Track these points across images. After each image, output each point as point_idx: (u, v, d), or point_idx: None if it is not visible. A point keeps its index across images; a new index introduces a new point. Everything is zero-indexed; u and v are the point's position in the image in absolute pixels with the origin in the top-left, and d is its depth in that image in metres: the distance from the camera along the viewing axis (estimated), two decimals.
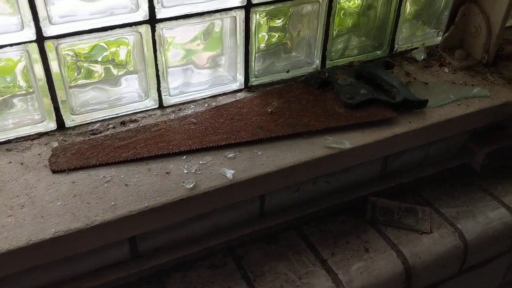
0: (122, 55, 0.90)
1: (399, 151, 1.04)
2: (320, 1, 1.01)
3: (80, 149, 0.86)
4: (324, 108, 0.99)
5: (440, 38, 1.21)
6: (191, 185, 0.82)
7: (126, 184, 0.82)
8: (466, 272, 1.12)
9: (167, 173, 0.85)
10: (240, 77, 1.02)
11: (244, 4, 0.93)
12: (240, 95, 1.02)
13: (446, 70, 1.16)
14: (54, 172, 0.83)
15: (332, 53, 1.11)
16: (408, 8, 1.15)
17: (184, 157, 0.88)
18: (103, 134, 0.90)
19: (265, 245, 1.00)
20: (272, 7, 0.97)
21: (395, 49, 1.18)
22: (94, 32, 0.83)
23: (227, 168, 0.86)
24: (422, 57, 1.17)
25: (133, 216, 0.78)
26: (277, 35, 1.04)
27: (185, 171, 0.85)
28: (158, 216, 0.80)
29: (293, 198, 1.00)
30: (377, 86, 1.06)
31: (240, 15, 0.94)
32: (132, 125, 0.93)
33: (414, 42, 1.21)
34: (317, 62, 1.09)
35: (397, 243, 1.02)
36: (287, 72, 1.07)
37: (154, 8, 0.85)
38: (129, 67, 0.92)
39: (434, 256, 1.02)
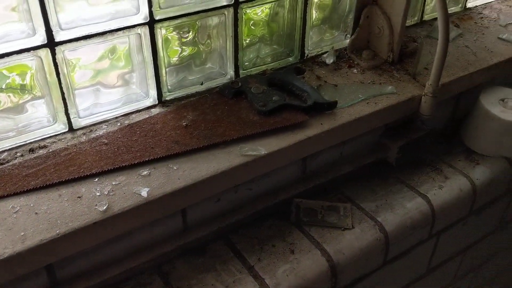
0: (26, 81, 0.88)
1: (315, 152, 1.07)
2: (226, 13, 1.03)
3: None
4: (239, 117, 1.01)
5: (348, 41, 1.27)
6: (104, 207, 0.81)
7: (36, 213, 0.80)
8: (390, 263, 1.16)
9: (79, 197, 0.83)
10: (153, 93, 1.02)
11: (147, 21, 0.93)
12: (155, 111, 1.02)
13: (355, 71, 1.22)
14: None
15: (245, 63, 1.14)
16: (314, 14, 1.19)
17: (96, 179, 0.87)
18: (10, 163, 0.87)
19: (192, 258, 1.00)
20: (177, 21, 0.97)
21: (306, 55, 1.22)
22: None
23: (141, 187, 0.85)
24: (332, 61, 1.22)
25: (45, 244, 0.76)
26: (187, 49, 1.04)
27: (98, 194, 0.84)
28: (72, 242, 0.79)
29: (216, 209, 1.01)
30: (289, 92, 1.10)
31: (145, 31, 0.94)
32: (41, 151, 0.90)
33: (324, 47, 1.25)
34: (231, 72, 1.11)
35: (321, 242, 1.05)
36: (201, 84, 1.08)
37: (52, 31, 0.84)
38: (35, 92, 0.90)
39: (357, 250, 1.06)
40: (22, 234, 0.76)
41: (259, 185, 1.06)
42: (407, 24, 1.37)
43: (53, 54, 0.86)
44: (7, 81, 0.86)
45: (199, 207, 0.98)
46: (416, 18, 1.42)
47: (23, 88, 0.88)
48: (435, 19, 1.45)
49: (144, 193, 0.84)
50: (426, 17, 1.44)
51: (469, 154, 1.33)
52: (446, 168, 1.28)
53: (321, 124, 1.04)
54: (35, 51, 0.84)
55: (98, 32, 0.88)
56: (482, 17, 1.50)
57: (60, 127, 0.94)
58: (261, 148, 0.96)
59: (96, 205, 0.82)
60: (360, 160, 1.20)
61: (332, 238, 1.06)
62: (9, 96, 0.87)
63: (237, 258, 1.01)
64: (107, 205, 0.81)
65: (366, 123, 1.10)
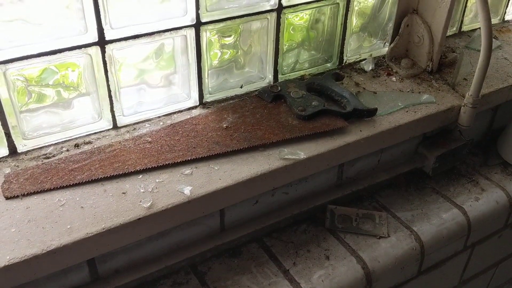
0: (74, 78, 0.90)
1: (352, 159, 1.07)
2: (269, 18, 1.04)
3: (34, 174, 0.85)
4: (278, 120, 1.02)
5: (386, 48, 1.27)
6: (148, 204, 0.82)
7: (81, 207, 0.81)
8: (425, 273, 1.15)
9: (123, 193, 0.84)
10: (194, 94, 1.03)
11: (194, 23, 0.95)
12: (195, 112, 1.03)
13: (394, 79, 1.21)
14: (7, 198, 0.81)
15: (284, 68, 1.14)
16: (354, 21, 1.19)
17: (140, 176, 0.88)
18: (56, 157, 0.89)
19: (228, 260, 1.00)
20: (221, 25, 0.99)
21: (344, 61, 1.23)
22: (43, 56, 0.82)
23: (184, 185, 0.86)
24: (370, 68, 1.22)
25: (90, 238, 0.77)
26: (229, 52, 1.06)
27: (142, 190, 0.85)
28: (116, 237, 0.80)
29: (252, 211, 1.02)
30: (328, 98, 1.10)
31: (190, 33, 0.96)
32: (86, 147, 0.92)
33: (362, 54, 1.25)
34: (270, 76, 1.12)
35: (356, 249, 1.05)
36: (241, 87, 1.09)
37: (103, 29, 0.86)
38: (81, 89, 0.92)
39: (393, 259, 1.05)
40: (68, 227, 0.78)
41: (296, 190, 1.06)
42: (446, 34, 1.37)
43: (103, 52, 0.88)
44: (56, 77, 0.89)
45: (237, 208, 0.98)
46: (454, 29, 1.41)
47: (70, 86, 0.90)
48: (474, 30, 1.44)
49: (187, 191, 0.85)
50: (464, 28, 1.43)
51: (505, 167, 1.31)
52: (482, 180, 1.27)
53: (360, 131, 1.04)
54: (85, 48, 0.86)
55: (147, 32, 0.90)
56: None
57: (105, 124, 0.96)
58: (300, 152, 0.96)
59: (140, 201, 0.83)
60: (396, 169, 1.19)
61: (367, 245, 1.06)
62: (58, 91, 0.90)
63: (272, 261, 1.01)
64: (151, 201, 0.83)
65: (405, 132, 1.10)
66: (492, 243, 1.29)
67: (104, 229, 0.78)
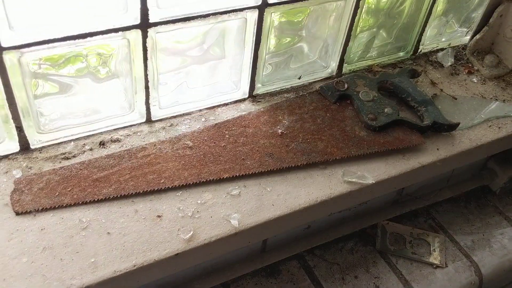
0: (105, 62, 0.72)
1: (423, 179, 0.91)
2: None
3: (50, 182, 0.69)
4: (343, 129, 0.85)
5: (468, 38, 1.06)
6: (188, 235, 0.68)
7: (108, 232, 0.67)
8: None
9: (159, 216, 0.69)
10: (245, 85, 0.85)
11: (259, 4, 0.75)
12: (243, 107, 0.86)
13: (475, 79, 1.02)
14: (17, 214, 0.66)
15: (351, 55, 0.95)
16: (440, 3, 0.98)
17: (179, 193, 0.73)
18: (78, 159, 0.73)
19: (265, 280, 0.88)
20: (291, 6, 0.79)
21: (419, 50, 1.03)
22: (69, 39, 0.64)
23: (231, 211, 0.71)
24: (449, 63, 1.03)
25: (118, 277, 0.63)
26: (290, 36, 0.86)
27: (180, 215, 0.70)
28: (148, 273, 0.66)
29: (303, 233, 0.87)
30: (402, 101, 0.92)
31: (252, 16, 0.76)
32: (113, 146, 0.76)
33: (440, 42, 1.05)
34: (333, 65, 0.93)
35: (409, 280, 0.92)
36: (299, 78, 0.90)
37: (148, 10, 0.66)
38: (112, 74, 0.74)
39: None
40: (92, 260, 0.64)
41: (351, 209, 0.91)
42: None
43: (144, 37, 0.69)
44: (80, 62, 0.70)
45: (284, 231, 0.84)
46: None
47: (99, 71, 0.72)
48: None
49: (234, 221, 0.70)
50: None
51: None
52: None
53: (437, 149, 0.87)
54: (124, 32, 0.67)
55: (201, 13, 0.70)
56: None
57: (136, 116, 0.79)
58: (368, 175, 0.80)
59: (179, 230, 0.68)
60: (462, 186, 1.04)
61: (422, 276, 0.93)
62: (82, 76, 0.72)
63: (314, 286, 0.88)
64: (192, 232, 0.68)
65: (486, 151, 0.93)
66: None
67: (135, 266, 0.64)
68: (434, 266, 0.95)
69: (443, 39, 1.06)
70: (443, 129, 0.89)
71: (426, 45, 1.04)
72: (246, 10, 0.75)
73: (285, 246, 0.87)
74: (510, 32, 1.02)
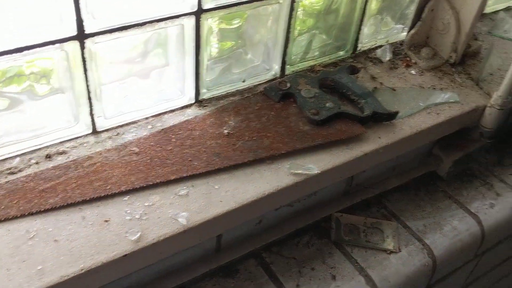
0: (45, 75, 0.73)
1: (367, 168, 0.95)
2: (281, 1, 0.87)
3: None
4: (287, 126, 0.88)
5: (405, 34, 1.12)
6: (136, 236, 0.69)
7: (55, 240, 0.67)
8: (431, 287, 1.07)
9: (106, 221, 0.71)
10: (190, 91, 0.88)
11: (195, 10, 0.78)
12: (190, 112, 0.88)
13: (413, 71, 1.07)
14: None
15: (292, 57, 0.99)
16: (373, 2, 1.03)
17: (126, 198, 0.74)
18: (24, 173, 0.74)
19: (222, 280, 0.89)
20: (226, 11, 0.82)
21: (358, 49, 1.08)
22: (5, 54, 0.65)
23: (179, 210, 0.73)
24: (388, 58, 1.08)
25: (66, 282, 0.64)
26: (230, 41, 0.89)
27: (128, 218, 0.71)
28: (97, 277, 0.67)
29: (254, 229, 0.89)
30: (343, 96, 0.96)
31: (189, 22, 0.79)
32: (60, 158, 0.77)
33: (378, 40, 1.10)
34: (276, 67, 0.97)
35: (365, 267, 0.95)
36: (243, 81, 0.93)
37: (82, 21, 0.68)
38: (54, 88, 0.75)
39: (403, 277, 0.96)
40: (39, 268, 0.64)
41: (302, 202, 0.94)
42: None
43: (82, 47, 0.70)
44: (22, 75, 0.72)
45: (236, 228, 0.86)
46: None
47: (41, 84, 0.74)
48: (497, 12, 1.29)
49: (182, 219, 0.72)
50: (487, 10, 1.28)
51: None
52: (497, 183, 1.17)
53: (379, 137, 0.91)
54: (61, 43, 0.69)
55: (138, 22, 0.73)
56: None
57: (82, 128, 0.80)
58: (312, 166, 0.83)
59: (126, 232, 0.69)
60: (409, 173, 1.08)
61: (377, 262, 0.96)
62: (25, 91, 0.73)
63: (272, 282, 0.90)
64: (139, 233, 0.69)
65: (426, 137, 0.98)
66: (502, 247, 1.21)
67: (82, 270, 0.65)
68: (388, 251, 0.98)
69: (381, 37, 1.11)
70: (383, 118, 0.93)
71: (365, 44, 1.08)
72: (183, 17, 0.77)
73: (240, 244, 0.89)
74: (442, 25, 1.08)
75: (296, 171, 0.82)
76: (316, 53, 1.03)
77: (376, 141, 0.91)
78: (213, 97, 0.91)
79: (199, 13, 0.78)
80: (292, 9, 0.89)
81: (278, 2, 0.87)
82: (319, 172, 0.83)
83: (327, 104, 0.91)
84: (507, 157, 1.23)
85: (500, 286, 1.42)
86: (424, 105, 0.99)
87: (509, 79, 0.97)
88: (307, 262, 0.94)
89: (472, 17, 1.03)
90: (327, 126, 0.89)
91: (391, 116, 0.93)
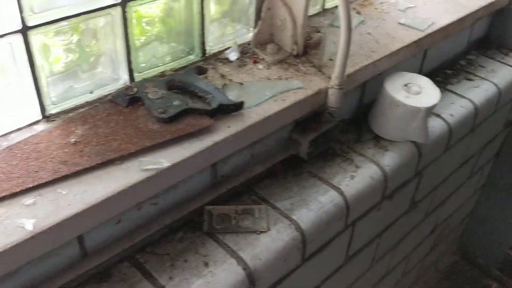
0: None
1: (224, 157, 1.01)
2: (113, 13, 0.93)
3: None
4: (136, 127, 0.93)
5: (251, 34, 1.21)
6: None
7: None
8: (309, 259, 1.15)
9: None
10: (34, 108, 0.90)
11: (20, 29, 0.81)
12: (38, 128, 0.91)
13: (261, 66, 1.17)
14: None
15: (141, 65, 1.04)
16: (212, 8, 1.12)
17: None
18: None
19: (96, 285, 0.91)
20: (56, 26, 0.86)
21: (207, 52, 1.15)
22: None
23: (25, 218, 0.75)
24: (235, 57, 1.16)
25: None
26: (73, 54, 0.93)
27: None
28: None
29: (117, 230, 0.93)
30: (192, 94, 1.03)
31: (16, 40, 0.82)
32: None
33: (226, 42, 1.19)
34: (125, 76, 1.02)
35: (236, 250, 1.01)
36: (91, 93, 0.97)
37: None
38: None
39: (274, 253, 1.02)
40: None
41: (166, 199, 0.98)
42: (309, 14, 1.35)
43: None
44: None
45: (97, 231, 0.89)
46: (318, 7, 1.40)
47: None
48: (337, 7, 1.43)
49: (29, 225, 0.74)
50: (327, 5, 1.42)
51: (378, 141, 1.34)
52: (356, 157, 1.28)
53: (229, 127, 0.98)
54: None
55: None
56: (382, 2, 1.51)
57: None
58: (163, 160, 0.88)
59: None
60: (271, 159, 1.16)
61: (248, 243, 1.02)
62: None
63: (146, 279, 0.93)
64: None
65: (275, 122, 1.06)
66: (372, 216, 1.32)
67: None
68: (258, 232, 1.05)
69: (228, 39, 1.19)
70: (231, 109, 1.00)
71: (213, 46, 1.16)
72: (7, 36, 0.81)
73: (107, 247, 0.92)
74: (280, 21, 1.19)
75: (146, 167, 0.87)
76: (168, 59, 1.09)
77: (225, 130, 0.98)
78: (61, 111, 0.94)
79: (25, 30, 0.82)
80: (125, 19, 0.95)
81: (110, 14, 0.93)
82: (169, 165, 0.88)
83: (175, 103, 0.97)
84: (364, 134, 1.36)
85: (381, 252, 1.53)
86: (270, 94, 1.08)
87: (340, 60, 1.08)
88: (180, 255, 0.98)
89: (303, 11, 1.14)
90: (176, 122, 0.95)
91: (237, 106, 1.01)
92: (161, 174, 0.88)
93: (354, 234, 1.29)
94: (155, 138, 0.91)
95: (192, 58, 1.13)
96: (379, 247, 1.50)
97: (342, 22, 1.04)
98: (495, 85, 1.63)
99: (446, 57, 1.68)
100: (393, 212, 1.44)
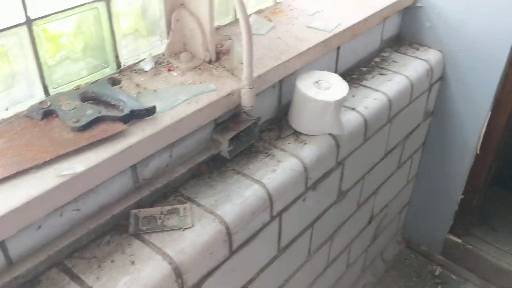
0: None
1: (142, 159, 1.07)
2: (19, 32, 0.98)
3: None
4: (51, 137, 0.97)
5: (165, 45, 1.29)
6: None
7: None
8: (237, 251, 1.21)
9: None
10: None
11: None
12: None
13: (175, 74, 1.24)
14: None
15: (58, 80, 1.10)
16: (123, 23, 1.19)
17: None
18: None
19: None
20: None
21: (122, 64, 1.22)
22: None
23: None
24: (150, 67, 1.23)
25: None
26: None
27: None
28: None
29: (41, 237, 0.96)
30: (106, 104, 1.08)
31: None
32: None
33: (141, 54, 1.26)
34: (40, 93, 1.07)
35: (161, 247, 1.06)
36: (6, 109, 1.02)
37: None
38: None
39: (199, 247, 1.08)
40: None
41: (88, 204, 1.03)
42: (223, 23, 1.44)
43: None
44: None
45: (19, 238, 0.92)
46: (231, 17, 1.49)
47: None
48: (249, 16, 1.53)
49: None
50: (239, 15, 1.51)
51: (297, 136, 1.43)
52: (278, 152, 1.36)
53: (142, 130, 1.04)
54: None
55: None
56: (292, 9, 1.62)
57: None
58: (77, 165, 0.93)
59: None
60: (193, 159, 1.22)
61: (173, 240, 1.07)
62: None
63: (74, 281, 0.97)
64: None
65: (190, 123, 1.13)
66: (299, 207, 1.40)
67: None
68: (183, 229, 1.10)
69: (143, 51, 1.26)
70: (143, 114, 1.07)
71: (128, 59, 1.23)
72: None
73: (32, 254, 0.95)
74: (189, 31, 1.27)
75: (61, 173, 0.91)
76: (83, 73, 1.15)
77: (139, 134, 1.04)
78: None
79: None
80: (33, 38, 1.00)
81: (17, 33, 0.98)
82: (84, 169, 0.93)
83: (87, 112, 1.02)
84: (284, 130, 1.44)
85: (317, 243, 1.61)
86: (184, 98, 1.15)
87: (246, 62, 1.17)
88: (107, 257, 1.03)
89: (208, 19, 1.23)
90: (90, 130, 1.00)
91: (149, 111, 1.07)
92: (77, 178, 0.93)
93: (282, 224, 1.36)
94: (70, 146, 0.96)
95: (107, 71, 1.19)
96: (313, 238, 1.58)
97: (242, 28, 1.13)
98: (407, 77, 1.77)
99: (361, 56, 1.80)
100: (321, 202, 1.53)
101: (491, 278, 2.34)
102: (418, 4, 1.89)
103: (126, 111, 1.04)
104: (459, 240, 2.38)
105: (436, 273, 2.45)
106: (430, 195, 2.33)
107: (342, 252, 1.89)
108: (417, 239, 2.53)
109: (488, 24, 1.75)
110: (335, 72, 1.68)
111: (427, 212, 2.39)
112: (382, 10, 1.70)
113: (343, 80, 1.42)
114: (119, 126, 1.02)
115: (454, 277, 2.43)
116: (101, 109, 1.04)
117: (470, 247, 2.36)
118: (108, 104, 1.08)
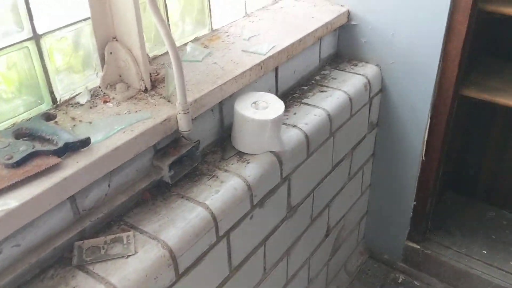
0: None
1: (79, 190, 1.09)
2: None
3: None
4: None
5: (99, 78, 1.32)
6: None
7: None
8: (185, 274, 1.22)
9: None
10: None
11: None
12: None
13: (111, 105, 1.27)
14: None
15: None
16: (56, 59, 1.21)
17: None
18: None
19: None
20: None
21: (58, 99, 1.24)
22: None
23: None
24: (86, 100, 1.26)
25: None
26: None
27: None
28: None
29: None
30: (41, 139, 1.10)
31: None
32: None
33: (77, 88, 1.28)
34: None
35: (105, 276, 1.07)
36: None
37: None
38: None
39: (142, 272, 1.09)
40: None
41: (28, 238, 1.03)
42: (159, 53, 1.48)
43: None
44: None
45: None
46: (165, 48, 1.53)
47: None
48: (186, 44, 1.58)
49: None
50: (178, 43, 1.56)
51: (241, 156, 1.47)
52: (221, 173, 1.40)
53: (77, 162, 1.06)
54: None
55: None
56: (228, 35, 1.68)
57: None
58: (11, 201, 0.94)
59: None
60: (134, 187, 1.25)
61: (117, 268, 1.08)
62: None
63: None
64: None
65: (126, 151, 1.15)
66: (246, 225, 1.43)
67: None
68: (126, 256, 1.12)
69: (79, 85, 1.29)
70: (78, 146, 1.09)
71: (64, 94, 1.25)
72: None
73: None
74: (123, 62, 1.30)
75: None
76: (20, 110, 1.17)
77: (74, 165, 1.06)
78: None
79: None
80: None
81: None
82: (18, 204, 0.95)
83: (21, 148, 1.04)
84: (227, 152, 1.48)
85: (272, 260, 1.63)
86: (119, 127, 1.18)
87: (179, 89, 1.21)
88: None
89: (140, 50, 1.27)
90: (24, 165, 1.02)
91: (84, 142, 1.10)
92: (11, 214, 0.94)
93: (231, 244, 1.39)
94: (3, 182, 0.97)
95: (43, 107, 1.21)
96: (267, 255, 1.60)
97: (171, 55, 1.17)
98: (345, 92, 1.84)
99: (301, 75, 1.87)
100: (271, 218, 1.56)
101: (452, 281, 2.40)
102: (353, 22, 1.98)
103: (60, 144, 1.06)
104: (418, 246, 2.44)
105: (399, 281, 2.49)
106: (386, 204, 2.39)
107: (302, 267, 1.92)
108: (379, 248, 2.58)
109: (417, 33, 1.85)
110: (276, 91, 1.74)
111: (385, 220, 2.45)
112: (315, 30, 1.78)
113: (280, 100, 1.48)
114: (53, 160, 1.04)
115: (417, 283, 2.48)
116: (35, 144, 1.06)
117: (429, 252, 2.42)
118: (43, 139, 1.09)
